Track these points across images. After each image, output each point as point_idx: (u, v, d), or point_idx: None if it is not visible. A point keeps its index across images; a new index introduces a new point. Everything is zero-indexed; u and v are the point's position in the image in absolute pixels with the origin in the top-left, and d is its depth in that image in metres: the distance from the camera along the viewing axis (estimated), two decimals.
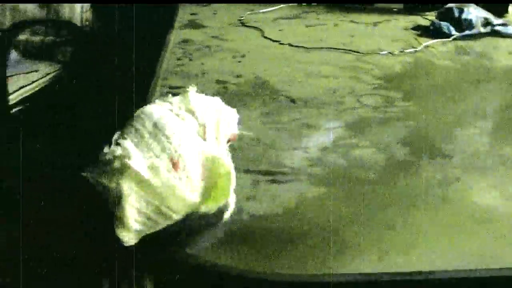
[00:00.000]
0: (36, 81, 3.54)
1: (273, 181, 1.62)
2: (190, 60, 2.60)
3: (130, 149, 0.57)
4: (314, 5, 3.67)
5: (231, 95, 2.19)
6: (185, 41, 2.90)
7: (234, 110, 0.53)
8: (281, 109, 2.09)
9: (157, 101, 0.60)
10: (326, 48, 2.84)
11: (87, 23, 4.05)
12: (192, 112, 0.57)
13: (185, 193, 0.54)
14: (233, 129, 0.58)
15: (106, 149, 0.66)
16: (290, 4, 3.63)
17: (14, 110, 3.34)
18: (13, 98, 3.33)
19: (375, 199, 1.56)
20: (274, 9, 3.53)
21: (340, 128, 1.96)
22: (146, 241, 1.39)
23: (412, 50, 2.85)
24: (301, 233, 1.41)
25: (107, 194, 0.55)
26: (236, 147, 1.77)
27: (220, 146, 0.58)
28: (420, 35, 3.13)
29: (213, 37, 2.98)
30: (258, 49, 2.83)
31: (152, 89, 2.22)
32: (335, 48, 2.83)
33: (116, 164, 0.57)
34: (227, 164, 0.55)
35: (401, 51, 2.82)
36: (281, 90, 2.26)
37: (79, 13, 4.03)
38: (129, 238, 0.48)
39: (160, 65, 2.52)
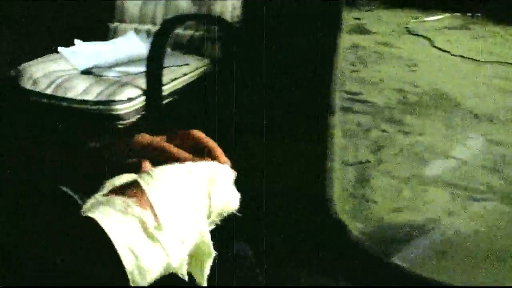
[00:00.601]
0: (186, 74, 3.67)
1: (470, 198, 1.63)
2: (365, 66, 2.62)
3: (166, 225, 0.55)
4: (478, 15, 3.60)
5: (412, 105, 2.20)
6: (355, 46, 2.93)
7: (236, 191, 0.51)
8: (464, 123, 2.08)
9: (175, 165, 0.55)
10: (498, 62, 2.79)
11: (238, 19, 4.15)
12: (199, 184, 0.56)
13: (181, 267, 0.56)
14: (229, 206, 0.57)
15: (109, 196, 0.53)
16: (454, 14, 3.58)
17: (166, 101, 3.48)
18: (165, 90, 3.47)
19: None
20: (439, 18, 3.50)
21: None
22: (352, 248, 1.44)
23: None
24: (507, 253, 1.41)
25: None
26: (424, 159, 1.79)
27: (210, 225, 0.58)
28: None
29: (382, 43, 3.00)
30: (429, 58, 2.81)
31: (332, 94, 2.26)
32: (509, 63, 2.77)
33: (145, 232, 0.53)
34: (212, 248, 0.56)
35: None
36: (462, 103, 2.25)
37: (230, 10, 4.14)
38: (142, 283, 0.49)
39: (334, 69, 2.56)
